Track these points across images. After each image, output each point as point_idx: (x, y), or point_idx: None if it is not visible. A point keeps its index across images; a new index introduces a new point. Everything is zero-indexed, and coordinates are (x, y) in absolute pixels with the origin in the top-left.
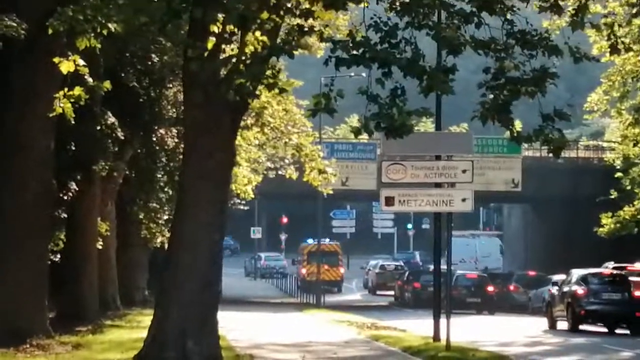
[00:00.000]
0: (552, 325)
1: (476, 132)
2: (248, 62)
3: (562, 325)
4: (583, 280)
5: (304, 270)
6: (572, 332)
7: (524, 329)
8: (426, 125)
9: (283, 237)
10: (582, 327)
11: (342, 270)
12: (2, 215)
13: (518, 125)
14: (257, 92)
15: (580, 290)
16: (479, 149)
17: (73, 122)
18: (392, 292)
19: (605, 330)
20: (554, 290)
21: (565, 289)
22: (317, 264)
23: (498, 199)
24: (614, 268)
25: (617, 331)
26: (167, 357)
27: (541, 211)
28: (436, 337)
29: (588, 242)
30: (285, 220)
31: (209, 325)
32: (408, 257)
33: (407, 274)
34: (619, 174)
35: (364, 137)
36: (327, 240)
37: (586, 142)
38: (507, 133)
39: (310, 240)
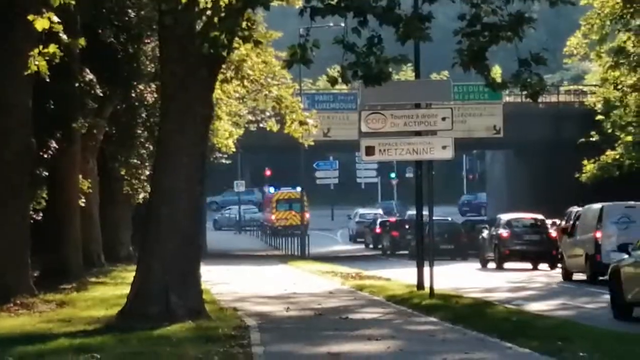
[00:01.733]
0: (484, 265)
1: (457, 79)
2: (223, 14)
3: (492, 265)
4: (507, 224)
5: (273, 217)
6: (498, 269)
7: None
8: (407, 74)
9: (267, 189)
10: (507, 265)
11: (307, 215)
12: None
13: (496, 71)
14: (234, 45)
15: (504, 233)
16: (460, 96)
17: (51, 80)
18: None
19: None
20: (485, 234)
21: (493, 232)
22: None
23: (480, 145)
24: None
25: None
26: (151, 312)
27: (523, 156)
28: (420, 285)
29: (570, 186)
30: (268, 172)
31: (192, 279)
32: (388, 206)
33: (380, 221)
34: (599, 117)
35: (343, 87)
36: (296, 188)
37: (567, 86)
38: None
39: (272, 189)
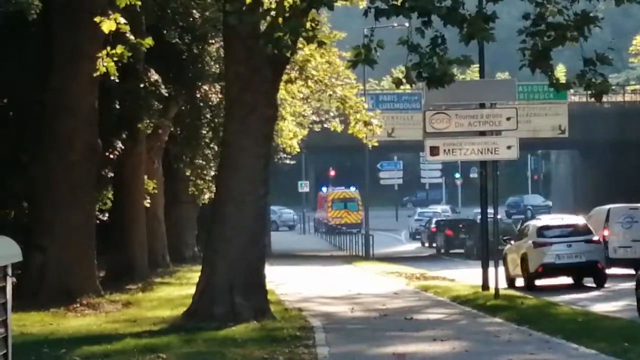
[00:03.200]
0: (511, 284)
1: (522, 78)
2: (287, 15)
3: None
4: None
5: (329, 215)
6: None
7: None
8: (473, 74)
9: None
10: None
11: (362, 214)
12: (50, 175)
13: (560, 71)
14: (298, 46)
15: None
16: (524, 95)
17: (117, 80)
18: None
19: None
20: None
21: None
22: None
23: (545, 145)
24: (631, 209)
25: None
26: (216, 313)
27: (588, 156)
28: (485, 286)
29: (635, 185)
30: (332, 173)
31: (257, 280)
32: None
33: (436, 220)
34: None
35: (407, 87)
36: (352, 188)
37: (632, 86)
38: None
39: (324, 189)
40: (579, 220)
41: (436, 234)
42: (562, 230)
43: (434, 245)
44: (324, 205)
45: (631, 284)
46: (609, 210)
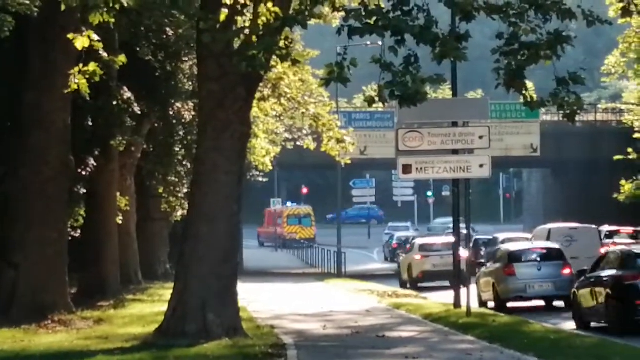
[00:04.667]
0: (482, 304)
1: (496, 97)
2: (261, 33)
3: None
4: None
5: (284, 231)
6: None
7: None
8: (444, 92)
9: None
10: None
11: (314, 229)
12: (22, 191)
13: (532, 90)
14: (272, 63)
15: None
16: (497, 114)
17: (89, 97)
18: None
19: None
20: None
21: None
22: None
23: (517, 164)
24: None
25: None
26: (188, 330)
27: (560, 175)
28: (457, 304)
29: (607, 205)
30: (305, 190)
31: (229, 297)
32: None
33: (397, 237)
34: (637, 135)
35: (380, 105)
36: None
37: (604, 105)
38: (522, 98)
39: (273, 206)
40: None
41: (397, 250)
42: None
43: (396, 261)
44: (276, 221)
45: None
46: (549, 230)
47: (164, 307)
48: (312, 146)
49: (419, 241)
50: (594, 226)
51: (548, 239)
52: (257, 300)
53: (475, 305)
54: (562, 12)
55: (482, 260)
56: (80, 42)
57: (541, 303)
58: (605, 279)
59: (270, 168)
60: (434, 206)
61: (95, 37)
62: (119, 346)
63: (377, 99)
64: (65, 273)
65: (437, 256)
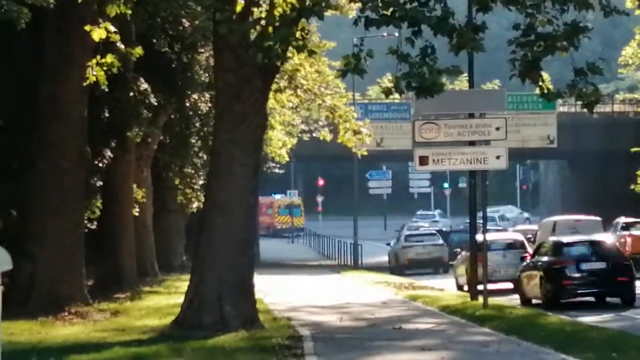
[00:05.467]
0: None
1: (511, 88)
2: (277, 24)
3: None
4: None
5: (275, 220)
6: None
7: None
8: (462, 83)
9: (320, 199)
10: None
11: (304, 219)
12: (40, 183)
13: (548, 81)
14: (288, 55)
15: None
16: (513, 105)
17: (106, 89)
18: None
19: None
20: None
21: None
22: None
23: (534, 155)
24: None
25: None
26: (205, 322)
27: (577, 166)
28: (473, 296)
29: (624, 196)
30: (321, 182)
31: (246, 289)
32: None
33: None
34: None
35: (396, 96)
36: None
37: (621, 95)
38: (538, 89)
39: (277, 196)
40: (516, 236)
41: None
42: (499, 245)
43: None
44: (266, 211)
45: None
46: (555, 222)
47: (180, 299)
48: (329, 137)
49: (405, 232)
50: (598, 218)
51: (553, 231)
52: (273, 292)
53: (453, 290)
54: (579, 2)
55: (457, 250)
56: (97, 34)
57: (510, 286)
58: (540, 263)
59: (287, 159)
60: (451, 198)
61: (112, 28)
62: (135, 338)
63: (393, 90)
64: (82, 265)
65: (420, 246)
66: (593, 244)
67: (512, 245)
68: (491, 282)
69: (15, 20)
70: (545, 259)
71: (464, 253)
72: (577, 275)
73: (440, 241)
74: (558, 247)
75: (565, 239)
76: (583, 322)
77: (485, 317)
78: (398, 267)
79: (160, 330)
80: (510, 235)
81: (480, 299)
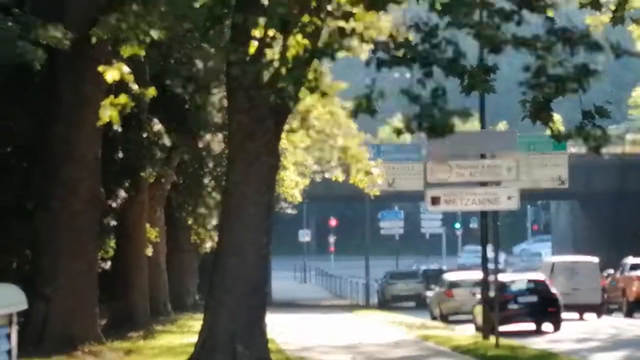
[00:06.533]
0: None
1: (523, 129)
2: (290, 66)
3: None
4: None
5: None
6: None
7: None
8: (473, 124)
9: (332, 239)
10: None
11: None
12: (53, 223)
13: (558, 122)
14: (300, 96)
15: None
16: (525, 146)
17: (120, 129)
18: None
19: None
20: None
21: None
22: None
23: (545, 196)
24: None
25: None
26: None
27: (588, 207)
28: (485, 336)
29: (636, 237)
30: (334, 222)
31: (258, 329)
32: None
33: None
34: None
35: (407, 136)
36: None
37: (632, 137)
38: (548, 131)
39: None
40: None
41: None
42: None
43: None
44: None
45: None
46: (553, 264)
47: (193, 338)
48: (341, 178)
49: (390, 271)
50: (595, 259)
51: (552, 271)
52: (285, 331)
53: (429, 320)
54: (589, 45)
55: (432, 286)
56: (111, 75)
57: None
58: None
59: (300, 200)
60: (462, 238)
61: (126, 69)
62: None
63: (404, 130)
64: (95, 304)
65: (403, 283)
66: (529, 282)
67: (479, 283)
68: (458, 314)
69: (30, 62)
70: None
71: (436, 289)
72: (515, 307)
73: (420, 279)
74: (501, 285)
75: (508, 278)
76: None
77: (498, 357)
78: (385, 301)
79: None
80: (478, 274)
81: (492, 339)
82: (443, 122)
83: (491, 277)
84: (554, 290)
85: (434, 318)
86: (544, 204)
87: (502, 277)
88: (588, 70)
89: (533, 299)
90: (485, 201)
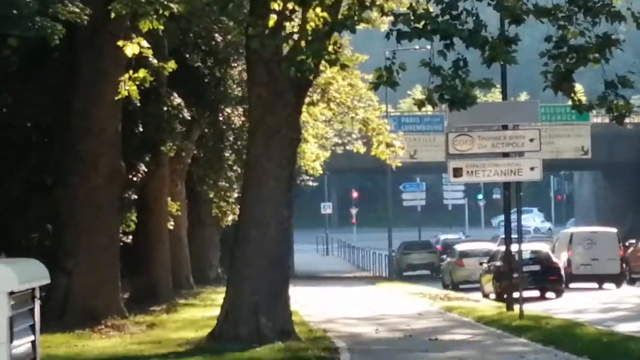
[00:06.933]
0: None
1: (545, 100)
2: (309, 38)
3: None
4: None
5: None
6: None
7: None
8: (494, 95)
9: (354, 211)
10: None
11: None
12: (74, 198)
13: (580, 93)
14: (320, 68)
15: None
16: (547, 117)
17: (139, 104)
18: None
19: None
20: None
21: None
22: None
23: (568, 166)
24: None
25: None
26: (241, 334)
27: (611, 177)
28: (509, 307)
29: None
30: (355, 194)
31: (281, 301)
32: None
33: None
34: None
35: (429, 109)
36: None
37: None
38: (570, 101)
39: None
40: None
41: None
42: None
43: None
44: None
45: None
46: (571, 234)
47: (215, 312)
48: (362, 150)
49: (405, 241)
50: (613, 230)
51: (570, 242)
52: (309, 304)
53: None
54: (611, 14)
55: (444, 256)
56: (130, 49)
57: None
58: (491, 267)
59: (320, 172)
60: (485, 209)
61: (145, 43)
62: (172, 350)
63: (426, 102)
64: (117, 278)
65: (417, 253)
66: (532, 252)
67: (487, 253)
68: (468, 284)
69: (49, 36)
70: (497, 264)
71: (448, 259)
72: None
73: (432, 249)
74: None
75: (512, 249)
76: (620, 332)
77: (522, 327)
78: (399, 270)
79: (196, 342)
80: (486, 245)
81: (516, 310)
82: (465, 93)
83: (502, 248)
84: (555, 259)
85: (445, 286)
86: (567, 175)
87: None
88: (610, 40)
89: (536, 268)
90: (507, 172)
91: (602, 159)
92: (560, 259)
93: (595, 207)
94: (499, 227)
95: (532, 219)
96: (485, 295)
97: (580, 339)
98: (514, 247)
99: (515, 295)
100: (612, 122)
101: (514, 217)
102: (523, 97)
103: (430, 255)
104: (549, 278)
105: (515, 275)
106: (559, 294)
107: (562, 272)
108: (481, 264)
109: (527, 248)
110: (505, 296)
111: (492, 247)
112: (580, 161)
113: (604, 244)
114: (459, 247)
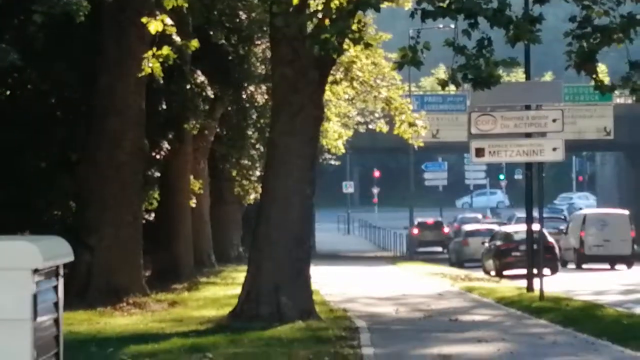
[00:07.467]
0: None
1: (568, 80)
2: (334, 17)
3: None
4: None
5: None
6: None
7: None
8: (517, 75)
9: (375, 190)
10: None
11: None
12: (98, 175)
13: (603, 72)
14: (344, 47)
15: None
16: (570, 97)
17: (163, 81)
18: None
19: None
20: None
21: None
22: None
23: (590, 147)
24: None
25: None
26: (262, 313)
27: (634, 158)
28: (530, 288)
29: None
30: (377, 173)
31: (302, 280)
32: None
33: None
34: None
35: (452, 88)
36: None
37: None
38: (593, 82)
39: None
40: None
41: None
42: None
43: None
44: None
45: None
46: (585, 215)
47: (237, 290)
48: (385, 129)
49: (419, 221)
50: (626, 212)
51: (584, 223)
52: (329, 283)
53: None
54: None
55: (451, 235)
56: (154, 26)
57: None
58: (492, 247)
59: (343, 151)
60: (506, 189)
61: (169, 21)
62: (193, 329)
63: (450, 82)
64: (140, 256)
65: (429, 231)
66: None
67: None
68: (473, 262)
69: (74, 12)
70: (497, 243)
71: (455, 238)
72: (517, 254)
73: (446, 229)
74: (505, 235)
75: (511, 229)
76: (639, 313)
77: (542, 309)
78: (412, 246)
79: (217, 321)
80: (490, 226)
81: (537, 291)
82: (488, 72)
83: (502, 229)
84: (550, 239)
85: (452, 264)
86: (590, 155)
87: (507, 228)
88: (634, 20)
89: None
90: (530, 152)
91: (624, 140)
92: (571, 240)
93: (617, 188)
94: (462, 208)
95: (586, 198)
96: (487, 272)
97: (600, 320)
98: (514, 228)
99: (511, 272)
100: (636, 103)
101: (568, 199)
102: (548, 77)
103: (441, 234)
104: (544, 256)
105: (513, 254)
106: (553, 271)
107: (557, 251)
108: (483, 243)
109: (524, 228)
110: (503, 272)
111: (496, 228)
112: (603, 142)
113: (616, 226)
114: (466, 228)
